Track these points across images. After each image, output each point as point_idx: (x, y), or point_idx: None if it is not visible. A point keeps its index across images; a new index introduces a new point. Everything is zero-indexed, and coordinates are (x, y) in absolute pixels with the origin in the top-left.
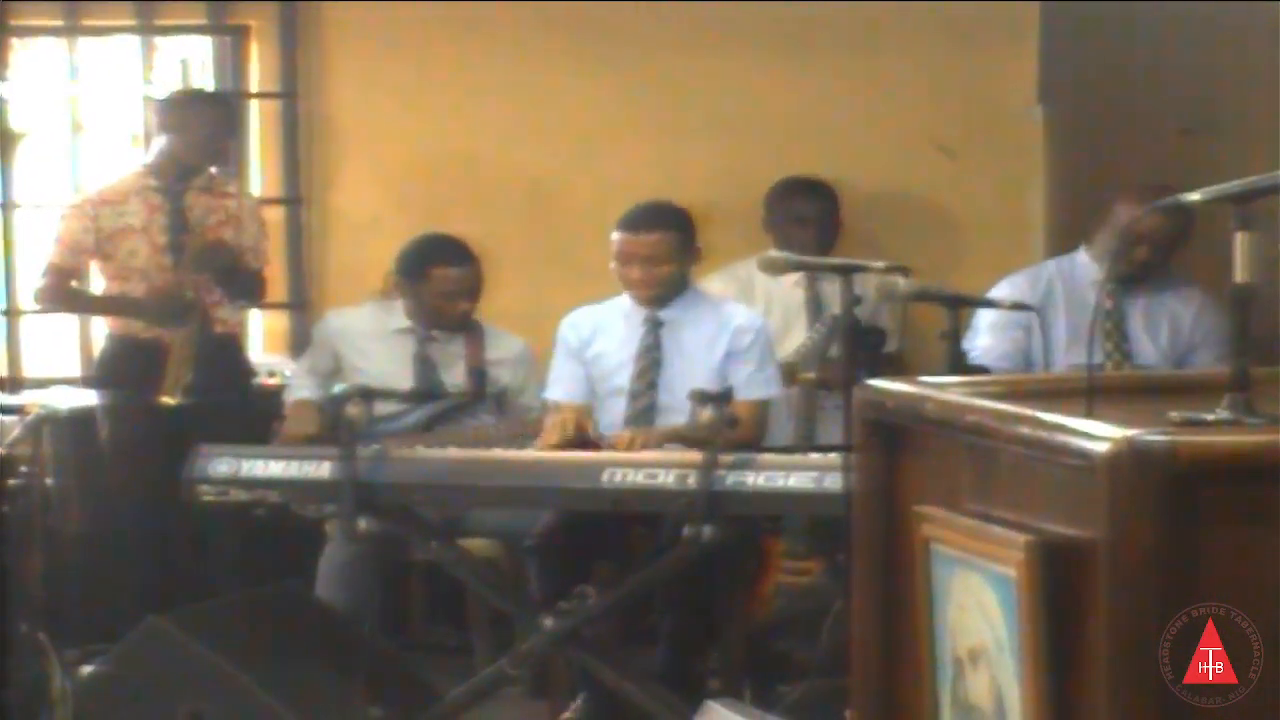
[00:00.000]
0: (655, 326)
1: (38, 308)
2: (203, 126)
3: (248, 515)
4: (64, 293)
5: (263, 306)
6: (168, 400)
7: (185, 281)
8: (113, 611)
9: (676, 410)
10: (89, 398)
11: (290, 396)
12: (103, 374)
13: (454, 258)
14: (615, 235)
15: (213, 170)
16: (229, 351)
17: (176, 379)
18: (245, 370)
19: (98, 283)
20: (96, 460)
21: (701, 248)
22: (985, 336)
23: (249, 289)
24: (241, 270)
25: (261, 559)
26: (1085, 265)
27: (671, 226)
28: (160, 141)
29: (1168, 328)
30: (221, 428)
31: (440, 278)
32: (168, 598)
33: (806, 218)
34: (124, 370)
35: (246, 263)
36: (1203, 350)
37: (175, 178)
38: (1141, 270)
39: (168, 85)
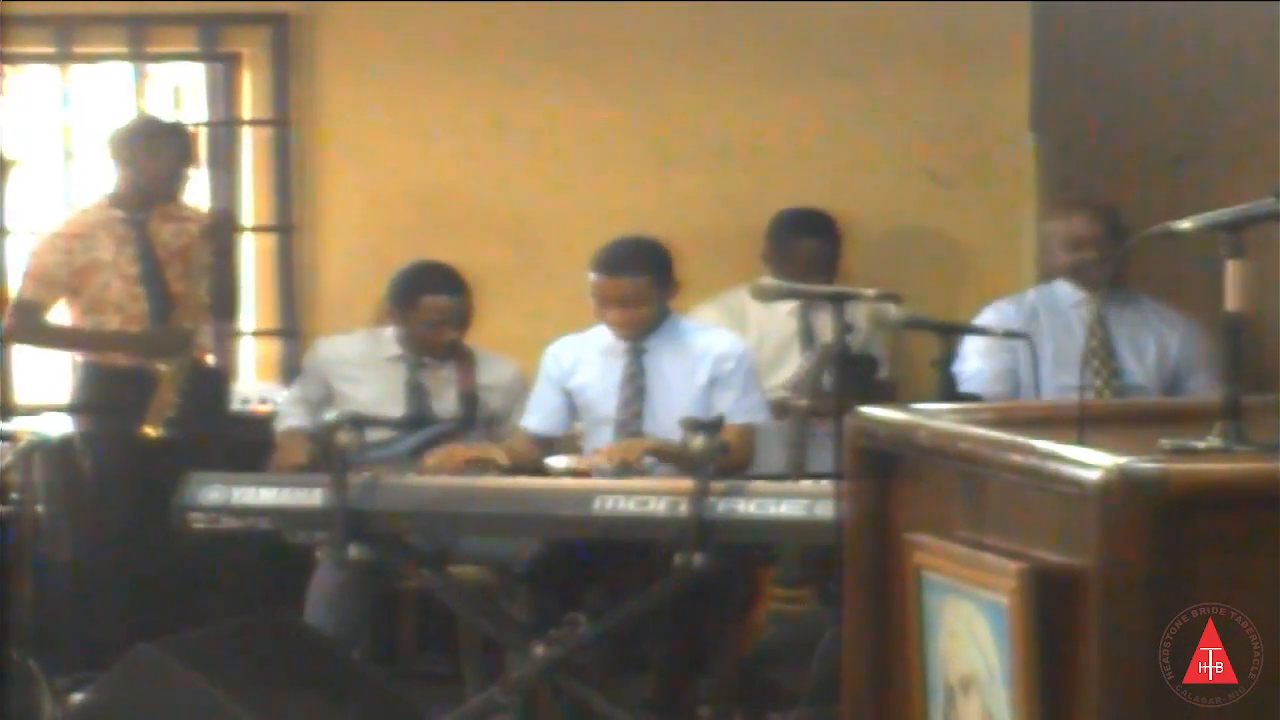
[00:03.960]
0: (637, 355)
1: (7, 342)
2: (165, 157)
3: (239, 543)
4: (41, 329)
5: (248, 333)
6: (150, 431)
7: (185, 311)
8: (102, 639)
9: (664, 437)
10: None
11: (280, 425)
12: (82, 402)
13: (444, 286)
14: (591, 276)
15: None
16: (212, 383)
17: (161, 410)
18: (226, 402)
19: (60, 314)
20: (87, 488)
21: (679, 280)
22: (975, 360)
23: (233, 303)
24: (227, 283)
25: (251, 586)
26: (1064, 290)
27: (647, 269)
28: (121, 172)
29: (1155, 349)
30: (202, 459)
31: (429, 306)
32: (157, 625)
33: (818, 258)
34: (103, 398)
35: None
36: (1195, 376)
37: (138, 208)
38: (1098, 270)
39: (125, 116)
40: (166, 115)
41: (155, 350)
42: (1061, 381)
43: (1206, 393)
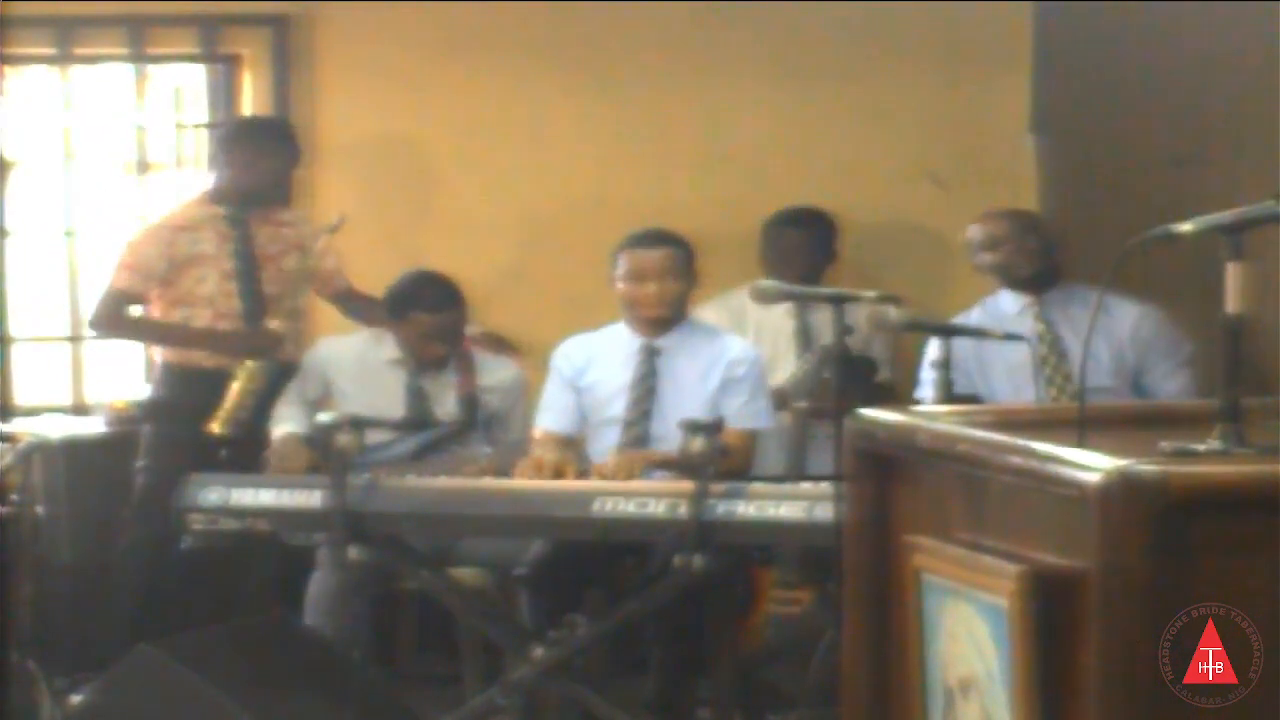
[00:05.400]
0: (651, 355)
1: (95, 332)
2: (271, 158)
3: (238, 545)
4: (131, 320)
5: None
6: (217, 429)
7: (277, 315)
8: (102, 640)
9: (669, 439)
10: (83, 426)
11: (276, 431)
12: (163, 403)
13: (434, 303)
14: (624, 255)
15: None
16: (286, 381)
17: (235, 409)
18: None
19: (150, 311)
20: (87, 489)
21: (703, 274)
22: (927, 388)
23: (372, 313)
24: (357, 297)
25: (250, 587)
26: (1007, 300)
27: (679, 245)
28: (224, 169)
29: (1106, 347)
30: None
31: (418, 322)
32: (157, 626)
33: (800, 249)
34: (185, 401)
35: (339, 286)
36: (1154, 367)
37: (240, 207)
38: (1021, 263)
39: (231, 114)
40: (273, 117)
41: (244, 350)
42: (1018, 394)
43: (1165, 384)
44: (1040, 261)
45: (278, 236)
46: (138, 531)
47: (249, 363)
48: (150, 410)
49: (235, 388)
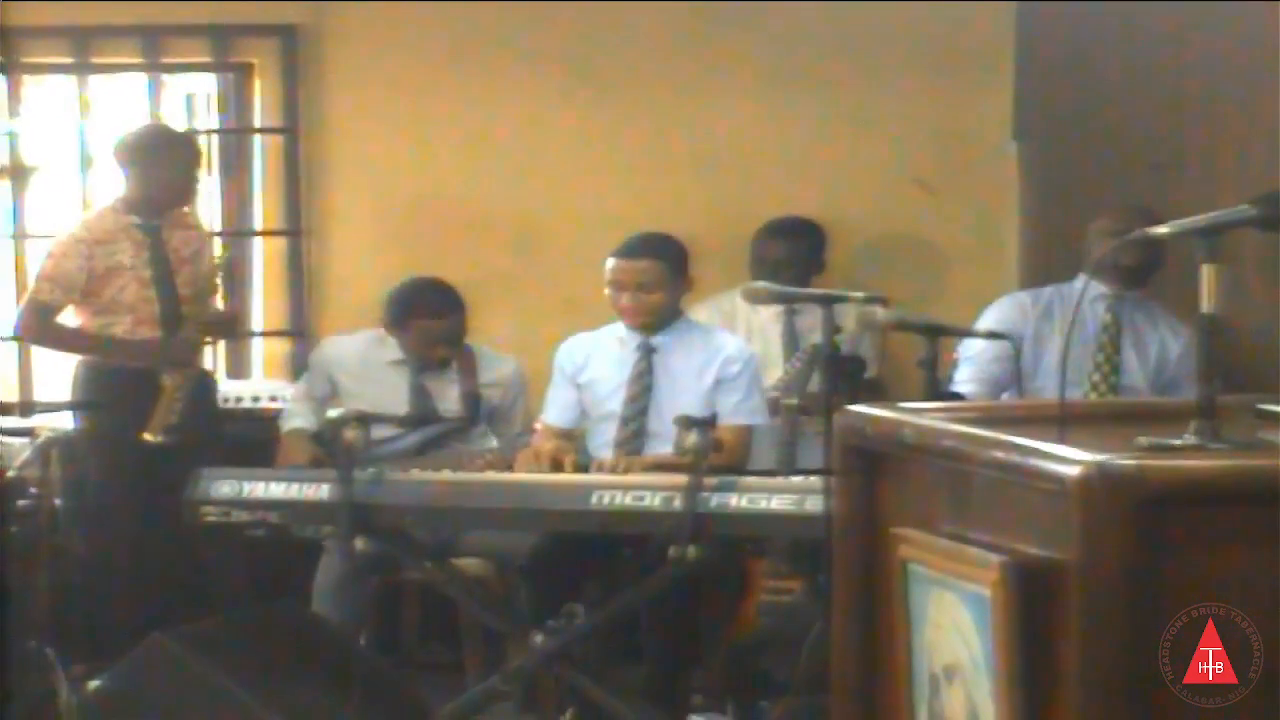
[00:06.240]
0: (648, 353)
1: (19, 341)
2: (178, 164)
3: (248, 535)
4: (54, 330)
5: (258, 333)
6: (150, 438)
7: (192, 328)
8: (116, 629)
9: (665, 436)
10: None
11: (285, 425)
12: (86, 400)
13: (435, 310)
14: (609, 262)
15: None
16: (209, 388)
17: (164, 419)
18: (217, 406)
19: (68, 316)
20: (88, 483)
21: (694, 278)
22: (965, 367)
23: (230, 329)
24: (224, 317)
25: (261, 577)
26: (1084, 284)
27: (664, 255)
28: (131, 178)
29: (1155, 354)
30: (200, 460)
31: (421, 328)
32: (170, 616)
33: (788, 260)
34: (105, 398)
35: (213, 302)
36: (1184, 387)
37: (151, 213)
38: (1129, 276)
39: (134, 122)
40: (174, 122)
41: (163, 360)
42: (1069, 375)
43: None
44: (1144, 255)
45: (189, 239)
46: (102, 526)
47: (169, 377)
48: (78, 410)
49: (162, 397)
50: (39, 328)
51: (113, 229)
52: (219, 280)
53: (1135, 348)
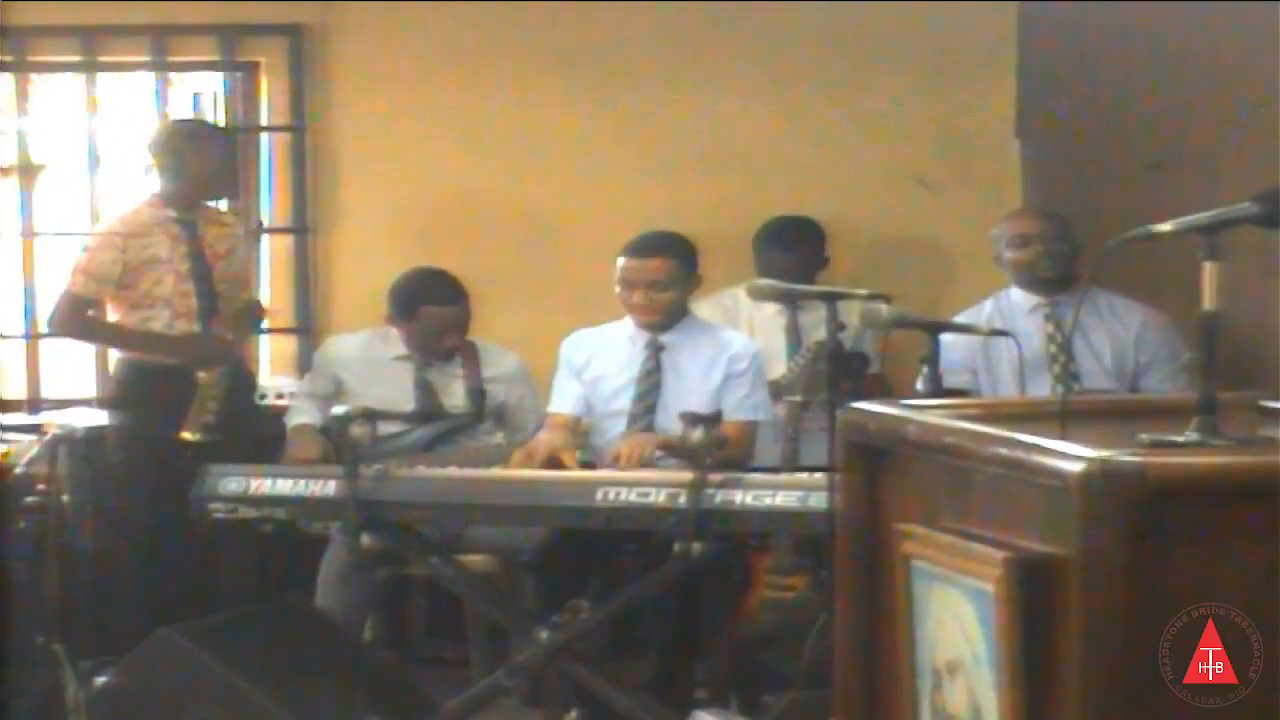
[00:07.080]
0: (656, 350)
1: (53, 334)
2: (214, 158)
3: (256, 531)
4: (88, 323)
5: (269, 331)
6: (189, 437)
7: (223, 323)
8: (124, 624)
9: (673, 432)
10: (102, 418)
11: (292, 421)
12: (120, 397)
13: (442, 296)
14: (620, 260)
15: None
16: (245, 385)
17: (201, 417)
18: (254, 402)
19: (108, 312)
20: (107, 479)
21: (702, 276)
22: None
23: (258, 322)
24: (249, 309)
25: (267, 573)
26: (1019, 297)
27: (674, 254)
28: (167, 171)
29: (1110, 349)
30: (233, 456)
31: (430, 315)
32: (177, 611)
33: (790, 262)
34: (143, 395)
35: (250, 294)
36: (1153, 370)
37: (187, 208)
38: (1045, 266)
39: (173, 115)
40: (209, 117)
41: (198, 357)
42: (1027, 389)
43: (1162, 387)
44: (1064, 265)
45: (223, 235)
46: (119, 524)
47: (205, 374)
48: (114, 407)
49: (197, 394)
50: (73, 321)
51: (148, 222)
52: (252, 274)
53: (1088, 349)
